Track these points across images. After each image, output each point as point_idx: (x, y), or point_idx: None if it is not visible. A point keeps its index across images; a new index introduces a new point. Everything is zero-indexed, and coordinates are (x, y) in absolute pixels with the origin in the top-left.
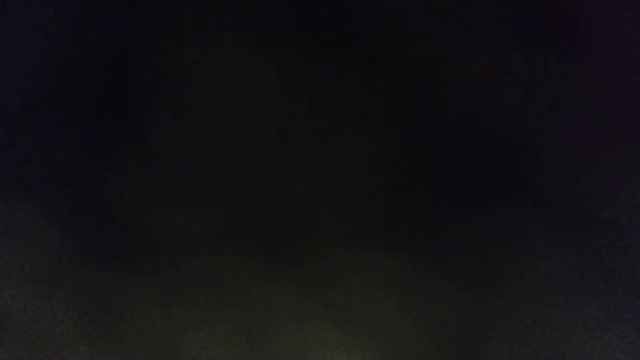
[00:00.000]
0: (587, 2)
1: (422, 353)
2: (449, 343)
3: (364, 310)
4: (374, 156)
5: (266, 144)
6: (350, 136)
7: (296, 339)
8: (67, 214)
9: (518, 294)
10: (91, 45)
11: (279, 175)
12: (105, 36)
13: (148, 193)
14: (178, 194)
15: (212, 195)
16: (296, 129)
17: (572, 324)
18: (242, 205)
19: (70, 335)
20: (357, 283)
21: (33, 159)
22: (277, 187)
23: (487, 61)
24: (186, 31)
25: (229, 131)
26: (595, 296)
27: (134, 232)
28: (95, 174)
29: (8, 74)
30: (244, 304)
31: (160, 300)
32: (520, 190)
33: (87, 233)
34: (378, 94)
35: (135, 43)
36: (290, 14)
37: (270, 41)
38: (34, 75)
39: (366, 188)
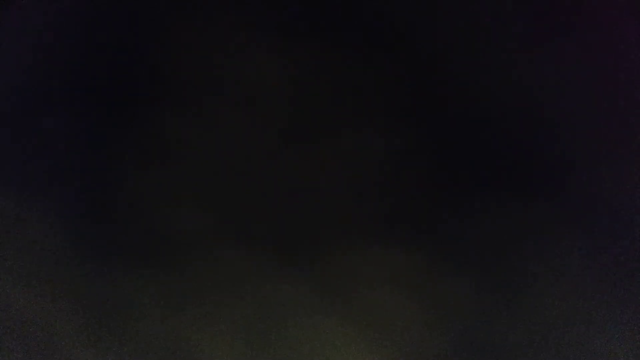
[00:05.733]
0: None
1: (435, 350)
2: (462, 339)
3: (375, 307)
4: (384, 151)
5: (275, 141)
6: (360, 132)
7: (306, 337)
8: (72, 213)
9: (532, 289)
10: (100, 41)
11: (288, 172)
12: (115, 31)
13: (154, 192)
14: (185, 192)
15: (220, 193)
16: (305, 125)
17: (589, 318)
18: (251, 202)
19: (75, 335)
20: (367, 280)
21: (38, 157)
22: (286, 185)
23: (496, 52)
24: (196, 27)
25: (238, 128)
26: (613, 289)
27: (141, 230)
28: (101, 173)
29: (13, 71)
30: (253, 303)
31: (167, 300)
32: (534, 184)
33: (92, 232)
34: (387, 88)
35: (146, 38)
36: (296, 7)
37: (277, 36)
38: (40, 72)
39: (376, 184)
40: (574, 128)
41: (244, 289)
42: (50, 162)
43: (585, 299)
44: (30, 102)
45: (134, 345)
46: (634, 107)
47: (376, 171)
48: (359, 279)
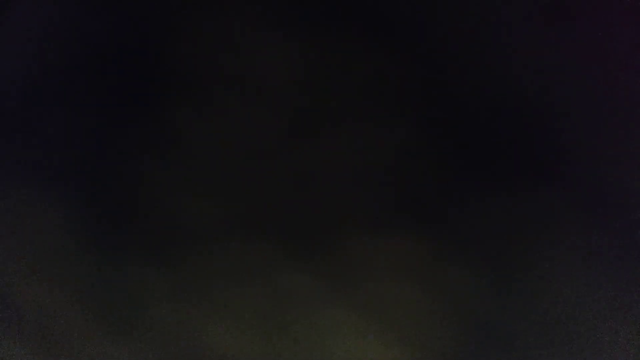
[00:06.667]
0: None
1: (444, 339)
2: (470, 328)
3: (383, 298)
4: (391, 143)
5: (282, 134)
6: (366, 123)
7: (317, 326)
8: (84, 207)
9: (539, 278)
10: (111, 29)
11: (296, 164)
12: (126, 19)
13: (164, 185)
14: (194, 185)
15: (228, 186)
16: (312, 118)
17: (597, 308)
18: (259, 195)
19: (87, 328)
20: (377, 270)
21: (49, 149)
22: (293, 177)
23: (508, 42)
24: (203, 21)
25: (246, 121)
26: (620, 278)
27: (151, 223)
28: (111, 167)
29: (22, 66)
30: (265, 293)
31: (178, 291)
32: (540, 174)
33: (104, 226)
34: (393, 79)
35: (156, 28)
36: (302, 2)
37: (283, 30)
38: (50, 66)
39: (384, 175)
40: (580, 119)
41: (253, 280)
42: (65, 154)
43: (593, 288)
44: (36, 96)
45: (146, 336)
46: (637, 102)
47: (383, 162)
48: (367, 270)
